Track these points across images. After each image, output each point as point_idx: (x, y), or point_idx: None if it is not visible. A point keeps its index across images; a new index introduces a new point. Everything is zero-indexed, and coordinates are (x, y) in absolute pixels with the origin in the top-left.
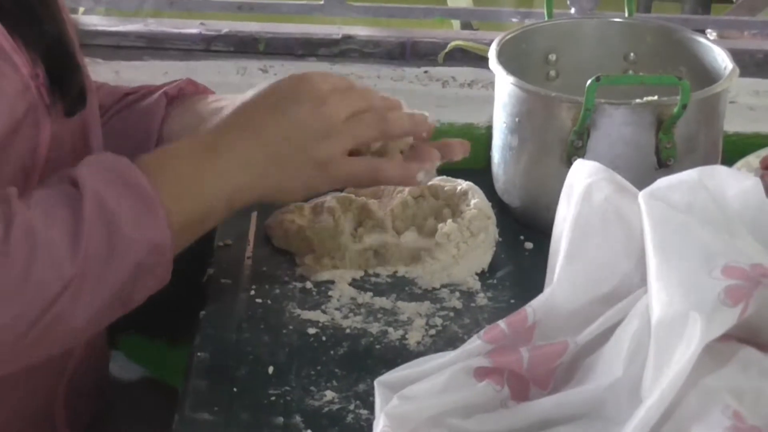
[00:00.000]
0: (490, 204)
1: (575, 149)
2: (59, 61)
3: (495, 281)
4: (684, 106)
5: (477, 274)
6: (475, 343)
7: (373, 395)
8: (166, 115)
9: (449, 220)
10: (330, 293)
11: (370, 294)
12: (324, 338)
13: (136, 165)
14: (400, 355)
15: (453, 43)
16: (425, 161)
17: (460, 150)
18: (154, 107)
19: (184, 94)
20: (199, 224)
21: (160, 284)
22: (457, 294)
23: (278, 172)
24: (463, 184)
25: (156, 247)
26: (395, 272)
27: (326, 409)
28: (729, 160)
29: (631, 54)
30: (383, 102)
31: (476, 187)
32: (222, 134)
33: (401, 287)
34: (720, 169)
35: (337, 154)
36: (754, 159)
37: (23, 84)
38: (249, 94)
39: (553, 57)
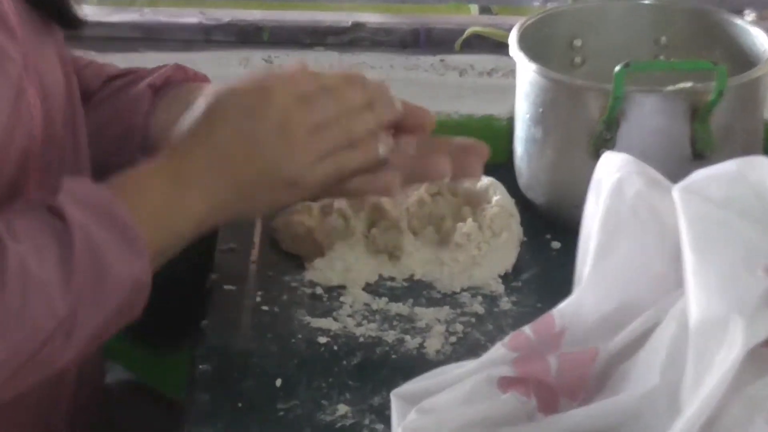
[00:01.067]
0: (513, 201)
1: (604, 141)
2: None
3: (519, 284)
4: (720, 93)
5: (500, 276)
6: (498, 351)
7: (389, 408)
8: (153, 107)
9: (469, 219)
10: (342, 299)
11: (385, 299)
12: (336, 348)
13: (116, 196)
14: (418, 364)
15: (471, 30)
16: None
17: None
18: (139, 101)
19: (172, 84)
20: (165, 253)
21: (131, 319)
22: (479, 298)
23: (242, 199)
24: (483, 180)
25: (137, 284)
26: (412, 276)
27: (339, 424)
28: None
29: (662, 38)
30: (359, 96)
31: (498, 183)
32: (187, 164)
33: (418, 292)
34: (761, 160)
35: (302, 172)
36: None
37: (23, 64)
38: (208, 100)
39: (578, 42)
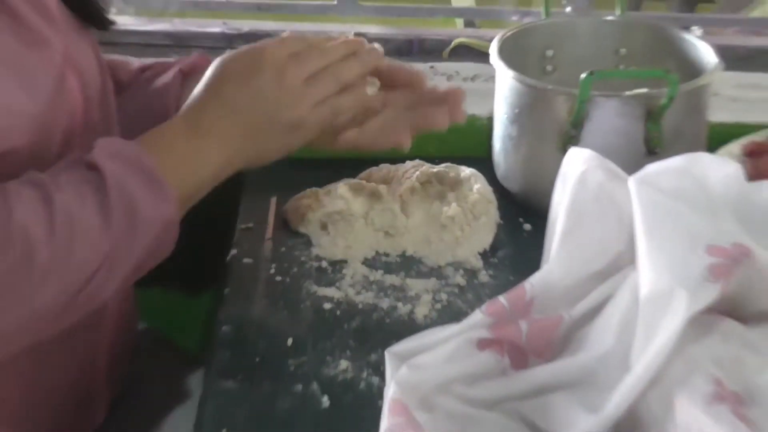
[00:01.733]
0: (491, 189)
1: (570, 138)
2: None
3: (496, 260)
4: (671, 98)
5: (479, 253)
6: (477, 316)
7: (384, 364)
8: (181, 92)
9: (454, 204)
10: (344, 271)
11: (380, 272)
12: (338, 313)
13: (142, 148)
14: (408, 328)
15: (457, 40)
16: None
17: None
18: (169, 85)
19: (198, 70)
20: (192, 199)
21: (165, 255)
22: (461, 272)
23: (255, 143)
24: (466, 171)
25: (167, 223)
26: (404, 252)
27: (341, 377)
28: (712, 147)
29: (623, 49)
30: (342, 49)
31: (479, 174)
32: (200, 117)
33: (409, 266)
34: (704, 156)
35: (303, 116)
36: (735, 147)
37: (63, 53)
38: (214, 67)
39: (550, 53)
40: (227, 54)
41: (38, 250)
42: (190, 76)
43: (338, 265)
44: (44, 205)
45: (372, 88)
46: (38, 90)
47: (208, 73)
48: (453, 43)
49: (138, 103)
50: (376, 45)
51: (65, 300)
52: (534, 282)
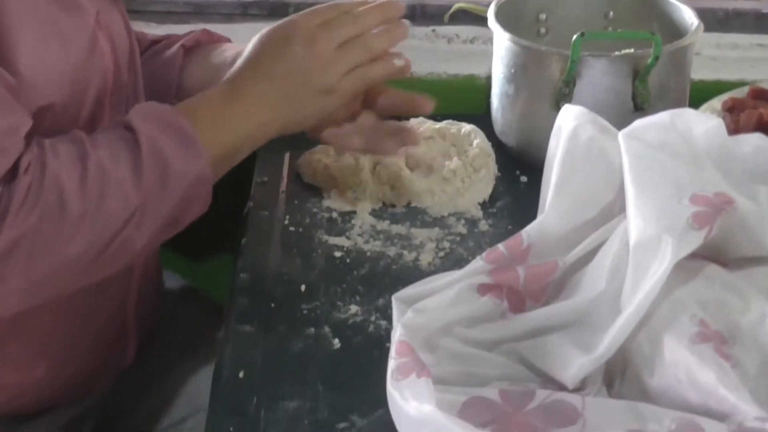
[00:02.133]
0: (490, 144)
1: (563, 96)
2: None
3: (495, 210)
4: (657, 58)
5: (479, 204)
6: (478, 263)
7: (391, 309)
8: (184, 65)
9: (455, 158)
10: (353, 222)
11: (387, 222)
12: (348, 260)
13: (174, 109)
14: (413, 274)
15: (456, 6)
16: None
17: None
18: (173, 58)
19: (201, 44)
20: (230, 159)
21: (203, 209)
22: (463, 221)
23: (290, 107)
24: (466, 127)
25: (199, 178)
26: (409, 203)
27: (351, 321)
28: (695, 104)
29: (611, 12)
30: (373, 17)
31: (478, 130)
32: (237, 83)
33: (414, 216)
34: (688, 112)
35: (334, 81)
36: (717, 103)
37: (94, 17)
38: (252, 43)
39: (543, 16)
40: (264, 30)
41: (70, 201)
42: (193, 50)
43: (348, 215)
44: (79, 160)
45: (399, 61)
46: (73, 49)
47: (248, 47)
48: (453, 8)
49: (147, 73)
50: (406, 21)
51: (95, 251)
52: (530, 230)
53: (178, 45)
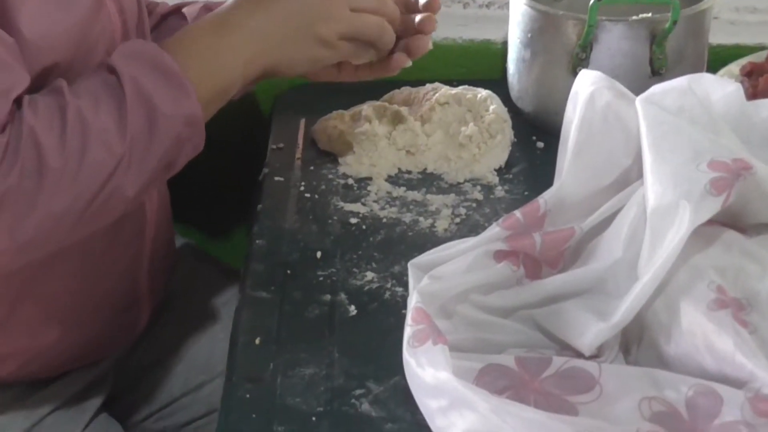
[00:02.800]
0: (506, 109)
1: (580, 61)
2: None
3: (511, 176)
4: (674, 22)
5: (495, 170)
6: (494, 230)
7: (407, 275)
8: None
9: (471, 124)
10: (368, 188)
11: (403, 188)
12: (364, 227)
13: (163, 48)
14: (429, 240)
15: None
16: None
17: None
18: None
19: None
20: (221, 96)
21: (197, 150)
22: (479, 187)
23: (284, 46)
24: (482, 92)
25: (190, 119)
26: (425, 169)
27: (367, 287)
28: (713, 68)
29: None
30: (394, 13)
31: (494, 95)
32: (233, 12)
33: (430, 182)
34: (706, 77)
35: (334, 38)
36: (735, 67)
37: None
38: None
39: None
40: None
41: (49, 157)
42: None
43: (363, 182)
44: (59, 112)
45: (401, 61)
46: (76, 9)
47: None
48: None
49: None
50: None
51: (83, 204)
52: (547, 197)
53: (199, 6)
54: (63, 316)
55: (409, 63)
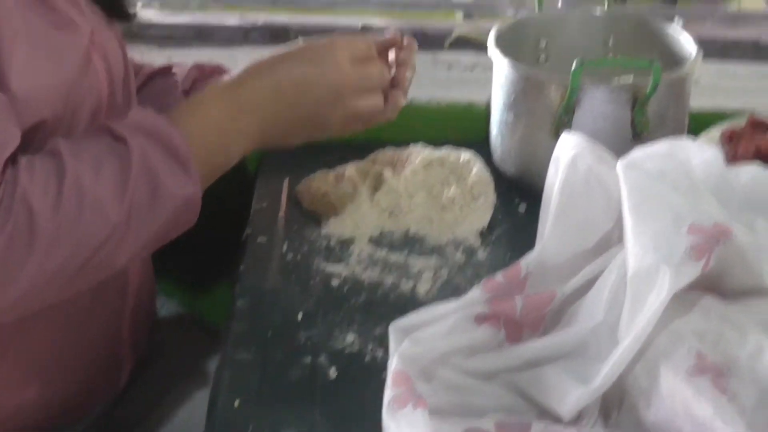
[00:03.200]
0: (489, 171)
1: (562, 123)
2: None
3: (493, 239)
4: (656, 86)
5: (478, 232)
6: (476, 292)
7: (388, 338)
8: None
9: (454, 186)
10: (351, 249)
11: (385, 250)
12: (346, 289)
13: (174, 124)
14: (411, 303)
15: (457, 32)
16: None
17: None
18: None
19: (196, 84)
20: (218, 172)
21: (189, 226)
22: (461, 250)
23: (288, 131)
24: (466, 154)
25: (189, 200)
26: (407, 231)
27: (348, 350)
28: (694, 132)
29: (610, 40)
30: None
31: (477, 157)
32: (246, 90)
33: (412, 244)
34: (687, 142)
35: (338, 123)
36: (716, 132)
37: (88, 36)
38: (277, 50)
39: (543, 43)
40: (300, 43)
41: (41, 221)
42: (189, 93)
43: (346, 243)
44: (55, 177)
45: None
46: (65, 66)
47: (276, 56)
48: (453, 35)
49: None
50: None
51: (73, 269)
52: (529, 260)
53: (179, 92)
54: (43, 374)
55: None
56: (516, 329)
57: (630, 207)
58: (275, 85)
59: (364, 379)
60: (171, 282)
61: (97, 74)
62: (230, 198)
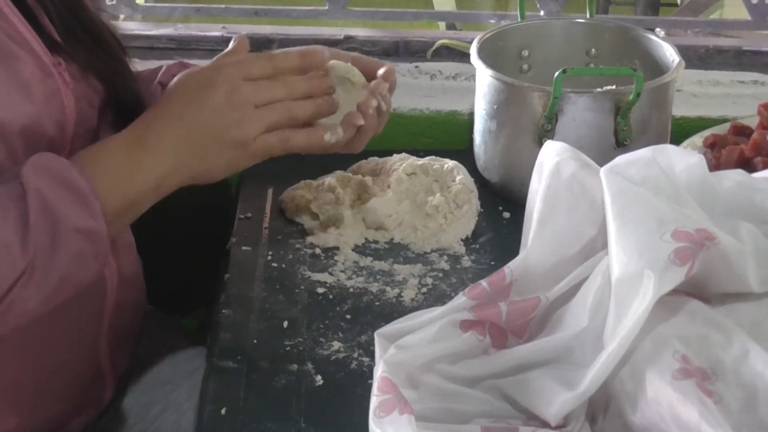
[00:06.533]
0: (473, 180)
1: (545, 132)
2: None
3: (477, 246)
4: (638, 94)
5: (462, 240)
6: (460, 299)
7: (373, 345)
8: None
9: (438, 194)
10: (336, 258)
11: (370, 258)
12: (331, 296)
13: (74, 162)
14: (396, 310)
15: (439, 42)
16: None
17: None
18: (154, 95)
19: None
20: (130, 211)
21: (102, 266)
22: (445, 257)
23: (199, 158)
24: (449, 163)
25: (93, 235)
26: (392, 239)
27: (333, 357)
28: (677, 140)
29: (593, 49)
30: (302, 86)
31: (461, 166)
32: (149, 131)
33: (397, 252)
34: (670, 148)
35: (250, 137)
36: (698, 139)
37: (43, 70)
38: (175, 81)
39: (525, 53)
40: (186, 71)
41: None
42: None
43: (330, 251)
44: None
45: (333, 137)
46: (32, 97)
47: (167, 91)
48: (436, 45)
49: None
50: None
51: None
52: (513, 266)
53: (155, 83)
54: (21, 401)
55: (362, 122)
56: (501, 335)
57: (614, 213)
58: (172, 118)
59: (350, 387)
60: (155, 291)
61: (63, 108)
62: (214, 208)
